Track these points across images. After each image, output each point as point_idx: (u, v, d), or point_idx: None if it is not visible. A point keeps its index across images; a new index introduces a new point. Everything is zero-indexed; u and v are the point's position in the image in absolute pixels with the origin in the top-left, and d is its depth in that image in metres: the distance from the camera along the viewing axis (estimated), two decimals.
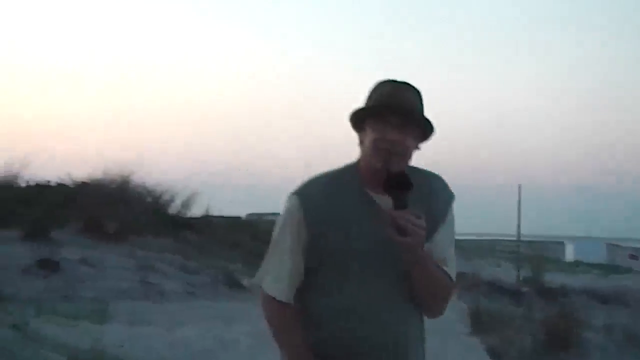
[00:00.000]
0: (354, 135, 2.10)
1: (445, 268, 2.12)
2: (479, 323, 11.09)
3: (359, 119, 2.07)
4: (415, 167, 2.14)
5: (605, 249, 60.69)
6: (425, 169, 2.20)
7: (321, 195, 2.07)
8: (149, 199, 18.39)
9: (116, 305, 9.73)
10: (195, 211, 21.50)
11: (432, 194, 2.12)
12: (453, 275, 2.16)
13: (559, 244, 70.46)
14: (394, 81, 2.06)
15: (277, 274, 2.09)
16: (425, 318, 2.20)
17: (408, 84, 2.07)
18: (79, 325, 8.36)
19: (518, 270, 17.20)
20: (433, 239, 2.09)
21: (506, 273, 22.11)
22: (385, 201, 1.99)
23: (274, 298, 2.09)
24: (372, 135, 2.03)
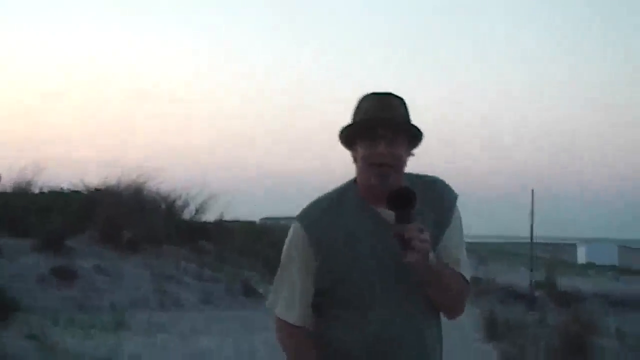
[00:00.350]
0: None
1: (458, 270, 2.13)
2: (493, 329, 11.10)
3: (348, 137, 2.08)
4: (413, 174, 2.16)
5: (617, 251, 60.35)
6: (423, 173, 2.20)
7: (324, 218, 2.08)
8: (163, 206, 18.46)
9: (132, 315, 9.81)
10: (210, 216, 21.60)
11: (436, 198, 2.13)
12: (468, 276, 2.16)
13: (572, 246, 70.13)
14: (378, 93, 2.07)
15: (289, 299, 2.11)
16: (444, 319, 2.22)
17: (391, 94, 2.08)
18: (95, 335, 8.44)
19: (531, 275, 17.15)
20: (443, 242, 2.11)
21: (520, 277, 22.06)
22: (389, 214, 2.00)
23: (287, 322, 2.11)
24: (364, 151, 2.04)
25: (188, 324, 9.92)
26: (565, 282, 22.06)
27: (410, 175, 2.14)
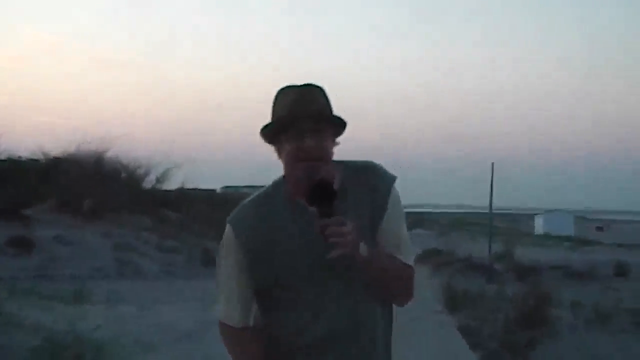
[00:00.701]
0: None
1: (399, 255, 2.09)
2: (453, 301, 11.28)
3: (271, 133, 2.03)
4: (346, 162, 2.12)
5: (573, 222, 61.74)
6: (358, 160, 2.17)
7: (253, 218, 2.05)
8: (124, 174, 18.26)
9: (93, 285, 9.73)
10: (171, 185, 21.45)
11: (371, 183, 2.09)
12: (410, 260, 2.12)
13: (530, 217, 71.51)
14: (297, 86, 2.03)
15: (227, 301, 2.09)
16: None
17: (311, 84, 2.04)
18: (54, 307, 8.34)
19: (490, 247, 17.41)
20: (382, 227, 2.06)
21: (480, 247, 22.42)
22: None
23: (229, 326, 2.09)
24: (289, 146, 1.99)
25: (148, 294, 9.88)
26: (523, 253, 22.50)
27: (342, 162, 2.10)
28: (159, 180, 19.95)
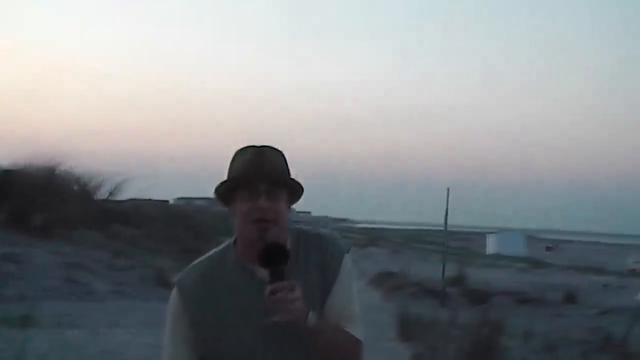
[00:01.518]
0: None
1: (348, 327, 2.06)
2: (406, 328, 11.30)
3: (226, 192, 2.04)
4: (300, 229, 2.13)
5: (524, 242, 62.71)
6: (313, 228, 2.19)
7: (199, 281, 2.04)
8: (76, 187, 17.92)
9: (42, 307, 9.47)
10: (124, 198, 21.12)
11: (322, 252, 2.08)
12: (359, 334, 2.08)
13: (483, 236, 72.39)
14: (254, 146, 2.04)
15: None
16: None
17: (269, 147, 2.05)
18: (0, 332, 8.09)
19: (443, 272, 17.52)
20: (331, 298, 2.05)
21: (433, 267, 22.56)
22: (266, 273, 1.94)
23: None
24: (243, 206, 2.00)
25: (100, 317, 9.68)
26: (475, 275, 22.74)
27: (295, 229, 2.11)
28: (111, 193, 19.67)
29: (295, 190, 2.07)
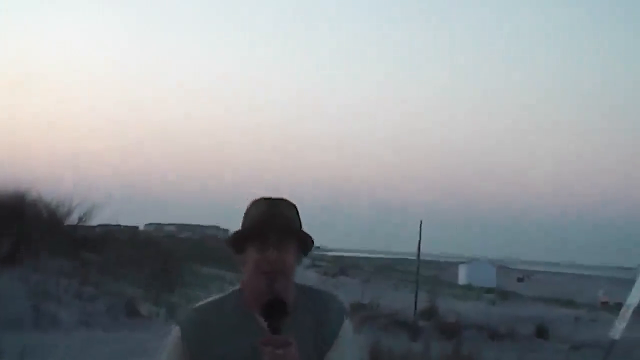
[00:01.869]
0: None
1: None
2: None
3: (239, 242, 2.08)
4: (306, 286, 2.17)
5: (495, 272, 63.15)
6: (318, 288, 2.22)
7: (203, 324, 2.07)
8: (45, 214, 17.65)
9: (6, 338, 9.22)
10: (93, 224, 20.87)
11: (322, 311, 2.11)
12: None
13: (455, 265, 72.75)
14: (268, 199, 2.09)
15: None
16: None
17: (282, 199, 2.10)
18: None
19: (415, 304, 17.47)
20: (329, 357, 2.06)
21: (404, 298, 22.52)
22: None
23: None
24: (253, 256, 2.04)
25: (66, 348, 9.46)
26: (446, 306, 22.76)
27: (302, 286, 2.15)
28: (81, 219, 19.41)
29: (305, 242, 2.10)
